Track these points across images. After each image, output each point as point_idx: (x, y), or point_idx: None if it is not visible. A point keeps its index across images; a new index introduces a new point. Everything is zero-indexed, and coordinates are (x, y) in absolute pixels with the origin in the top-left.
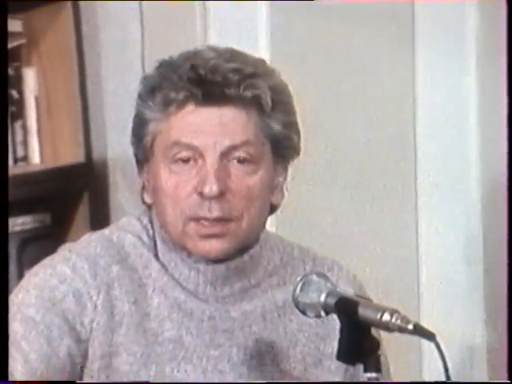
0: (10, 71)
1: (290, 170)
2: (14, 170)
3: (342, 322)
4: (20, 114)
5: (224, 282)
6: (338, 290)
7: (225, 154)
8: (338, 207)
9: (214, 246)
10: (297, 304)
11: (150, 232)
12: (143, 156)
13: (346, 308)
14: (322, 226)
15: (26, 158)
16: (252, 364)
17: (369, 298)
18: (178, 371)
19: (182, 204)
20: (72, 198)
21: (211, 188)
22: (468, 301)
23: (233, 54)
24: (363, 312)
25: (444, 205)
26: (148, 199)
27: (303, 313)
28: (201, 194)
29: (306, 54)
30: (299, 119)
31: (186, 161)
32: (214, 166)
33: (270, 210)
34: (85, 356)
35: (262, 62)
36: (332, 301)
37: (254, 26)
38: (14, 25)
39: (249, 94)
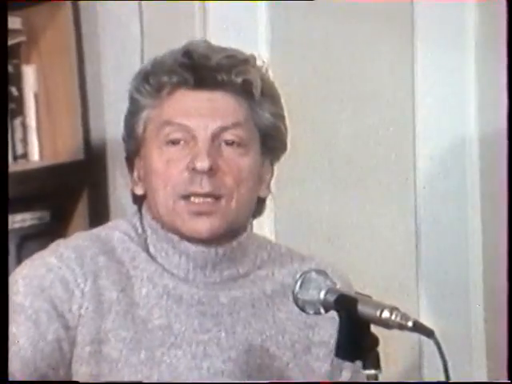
0: (10, 68)
1: (290, 166)
2: (13, 167)
3: (341, 319)
4: (19, 111)
5: (213, 268)
6: (338, 287)
7: (216, 135)
8: (336, 204)
9: (204, 224)
10: (296, 301)
11: (139, 230)
12: (135, 147)
13: (345, 305)
14: (321, 223)
15: (25, 155)
16: (240, 348)
17: (368, 296)
18: (167, 356)
19: (173, 181)
20: (71, 195)
21: (203, 162)
22: (467, 298)
23: (223, 48)
24: (362, 309)
25: (443, 201)
26: (139, 190)
27: (302, 309)
28: (193, 170)
29: (305, 52)
30: (300, 116)
31: (177, 142)
32: (205, 144)
33: (258, 207)
34: (73, 342)
35: (254, 57)
36: (331, 298)
37: (253, 25)
38: (14, 22)
39: (240, 79)
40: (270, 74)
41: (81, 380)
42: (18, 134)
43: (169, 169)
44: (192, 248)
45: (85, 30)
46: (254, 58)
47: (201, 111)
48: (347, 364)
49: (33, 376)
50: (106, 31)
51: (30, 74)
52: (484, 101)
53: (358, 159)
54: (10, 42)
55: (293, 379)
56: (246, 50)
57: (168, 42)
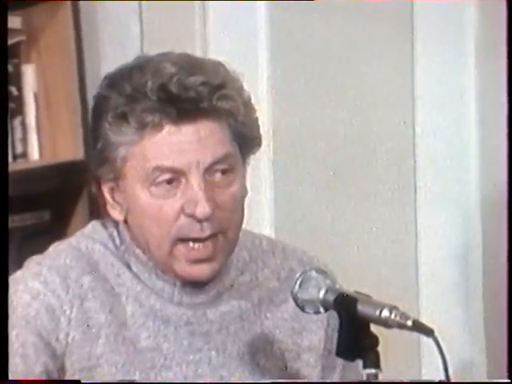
0: (10, 68)
1: (290, 168)
2: (13, 166)
3: (341, 318)
4: (19, 110)
5: (200, 290)
6: (337, 286)
7: (207, 170)
8: (336, 206)
9: (205, 271)
10: (296, 300)
11: (117, 241)
12: (112, 176)
13: (345, 304)
14: (321, 225)
15: (25, 155)
16: (232, 365)
17: (368, 295)
18: (160, 377)
19: (169, 226)
20: (71, 194)
21: (204, 210)
22: (466, 298)
23: (191, 64)
24: (362, 308)
25: (443, 203)
26: (119, 216)
27: (302, 309)
28: (192, 216)
29: (305, 50)
30: (299, 117)
31: (167, 182)
32: (201, 186)
33: None
34: (61, 370)
35: (217, 64)
36: (331, 297)
37: (253, 25)
38: (14, 21)
39: (223, 105)
40: (239, 78)
41: None
42: (18, 134)
43: (162, 211)
44: (178, 280)
45: (84, 29)
46: (223, 68)
47: (189, 147)
48: (338, 363)
49: None
50: (106, 31)
51: (29, 74)
52: (484, 100)
53: (358, 160)
54: (10, 42)
55: None
56: (246, 46)
57: (167, 39)
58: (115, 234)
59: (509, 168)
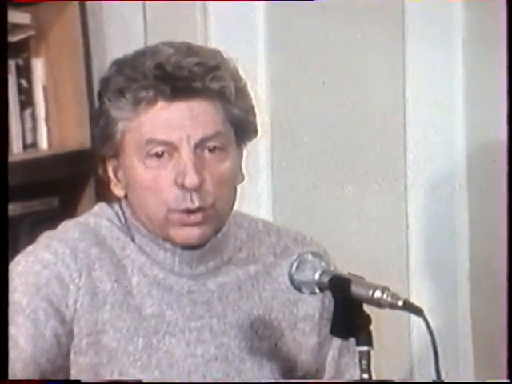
0: (20, 61)
1: (288, 158)
2: (23, 155)
3: (335, 298)
4: (29, 102)
5: (199, 261)
6: (332, 268)
7: (198, 145)
8: (331, 191)
9: (195, 233)
10: (292, 281)
11: (122, 218)
12: (112, 152)
13: (339, 285)
14: (316, 209)
15: (34, 144)
16: (231, 333)
17: (361, 277)
18: (163, 344)
19: (164, 196)
20: (79, 182)
21: (192, 180)
22: (454, 278)
23: (189, 48)
24: (356, 289)
25: (432, 189)
26: (119, 192)
27: (298, 290)
28: (182, 186)
29: (301, 41)
30: (297, 109)
31: (160, 155)
32: (191, 159)
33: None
34: (70, 335)
35: (218, 52)
36: (326, 279)
37: (251, 23)
38: (23, 17)
39: (215, 85)
40: (236, 66)
41: (81, 369)
42: (28, 124)
43: (157, 183)
44: (178, 247)
45: (91, 25)
46: (220, 54)
47: (181, 123)
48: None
49: (34, 372)
50: (111, 26)
51: (38, 67)
52: (471, 93)
53: (352, 149)
54: (20, 37)
55: (281, 358)
56: (245, 40)
57: (170, 35)
58: (120, 212)
59: (499, 153)
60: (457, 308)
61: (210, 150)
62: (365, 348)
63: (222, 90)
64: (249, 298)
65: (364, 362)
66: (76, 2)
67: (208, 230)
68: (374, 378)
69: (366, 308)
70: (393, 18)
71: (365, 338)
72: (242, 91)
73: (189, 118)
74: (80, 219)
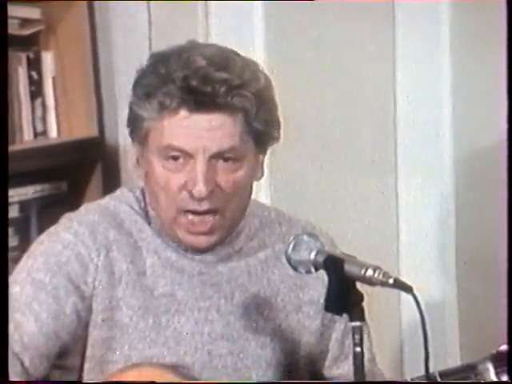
0: (30, 54)
1: (286, 149)
2: (34, 143)
3: (329, 277)
4: (39, 92)
5: (211, 252)
6: (326, 248)
7: (213, 156)
8: (325, 174)
9: (203, 241)
10: (289, 261)
11: (142, 204)
12: (138, 140)
13: (333, 265)
14: (312, 191)
15: (44, 133)
16: (238, 313)
17: (354, 256)
18: (172, 322)
19: (174, 196)
20: (86, 167)
21: (200, 191)
22: (442, 259)
23: (222, 59)
24: (349, 268)
25: (420, 171)
26: (139, 176)
27: (295, 269)
28: (190, 193)
29: (298, 47)
30: (293, 98)
31: (176, 158)
32: (202, 169)
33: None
34: (89, 310)
35: (248, 64)
36: (321, 258)
37: (250, 19)
38: (34, 12)
39: (236, 103)
40: (268, 75)
41: (95, 342)
42: (38, 113)
43: (169, 182)
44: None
45: (98, 20)
46: (249, 67)
47: (199, 133)
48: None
49: (54, 345)
50: (117, 21)
51: (48, 60)
52: (456, 85)
53: (345, 135)
54: (31, 31)
55: (285, 338)
56: (244, 41)
57: (172, 28)
58: (141, 197)
59: (481, 136)
60: (443, 285)
61: (225, 160)
62: (357, 323)
63: (243, 107)
64: (257, 281)
65: (357, 336)
66: None
67: (215, 238)
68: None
69: (359, 286)
70: (384, 15)
71: (357, 313)
72: (265, 105)
73: (207, 130)
74: (101, 202)
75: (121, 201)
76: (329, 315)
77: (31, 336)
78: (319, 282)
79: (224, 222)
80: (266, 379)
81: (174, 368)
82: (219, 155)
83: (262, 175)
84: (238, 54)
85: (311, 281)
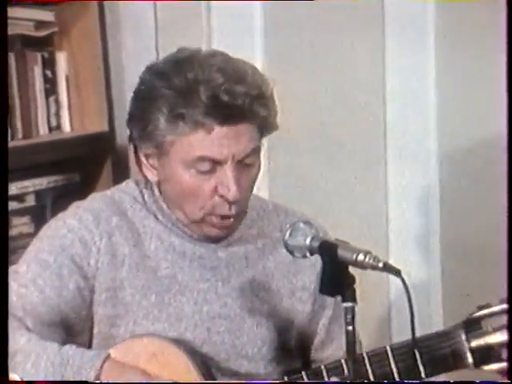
0: (45, 54)
1: (283, 143)
2: (48, 137)
3: (324, 261)
4: (53, 90)
5: (212, 242)
6: (321, 235)
7: (239, 161)
8: (318, 170)
9: (224, 233)
10: (286, 246)
11: (146, 196)
12: (151, 150)
13: (327, 250)
14: (307, 183)
15: (58, 127)
16: (234, 295)
17: (346, 242)
18: (174, 301)
19: (204, 202)
20: (97, 160)
21: (235, 195)
22: (427, 244)
23: (235, 71)
24: (342, 253)
25: (408, 163)
26: (152, 177)
27: (292, 253)
28: (223, 197)
29: (295, 46)
30: (291, 97)
31: (205, 166)
32: (234, 174)
33: None
34: (92, 290)
35: (254, 71)
36: (316, 244)
37: (250, 17)
38: (48, 15)
39: (259, 111)
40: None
41: (101, 320)
42: (52, 110)
43: (199, 190)
44: (194, 234)
45: (108, 22)
46: (255, 73)
47: (229, 143)
48: (328, 303)
49: (56, 316)
50: (126, 22)
51: (62, 60)
52: (441, 81)
53: (338, 128)
54: (46, 33)
55: (278, 319)
56: (243, 40)
57: (177, 29)
58: (145, 190)
59: (464, 132)
60: (428, 268)
61: (246, 162)
62: (350, 304)
63: (266, 116)
64: (254, 266)
65: (349, 316)
66: (95, 2)
67: (233, 228)
68: (357, 329)
69: (351, 269)
70: (373, 13)
71: (350, 295)
72: (273, 104)
73: (235, 138)
74: (107, 192)
75: (125, 192)
76: (319, 301)
77: (34, 305)
78: (312, 270)
79: (240, 216)
80: (260, 356)
81: (176, 341)
82: (243, 159)
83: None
84: (240, 60)
85: (304, 268)
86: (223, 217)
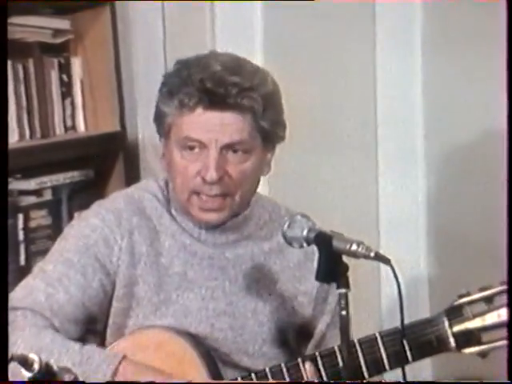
0: (61, 60)
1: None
2: (64, 136)
3: (319, 251)
4: (69, 93)
5: (221, 233)
6: (317, 227)
7: (224, 148)
8: (315, 165)
9: (213, 217)
10: (285, 237)
11: (165, 192)
12: (162, 134)
13: (323, 240)
14: (303, 179)
15: (74, 127)
16: (240, 294)
17: (341, 233)
18: (181, 297)
19: (189, 182)
20: (110, 157)
21: (212, 176)
22: (416, 234)
23: (235, 65)
24: (336, 243)
25: (397, 159)
26: (164, 167)
27: (290, 244)
28: (203, 178)
29: (293, 47)
30: (288, 96)
31: (193, 148)
32: (215, 157)
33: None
34: (113, 285)
35: (258, 71)
36: (312, 235)
37: (250, 21)
38: (64, 23)
39: (245, 103)
40: (275, 81)
41: (116, 312)
42: (68, 111)
43: (186, 169)
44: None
45: (120, 29)
46: (259, 73)
47: (213, 128)
48: (327, 311)
49: (82, 314)
50: (137, 30)
51: (77, 64)
52: (428, 84)
53: (332, 124)
54: (62, 40)
55: (280, 320)
56: (244, 39)
57: (184, 36)
58: (164, 186)
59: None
60: (417, 257)
61: (234, 152)
62: (343, 290)
63: (251, 107)
64: (259, 269)
65: (343, 301)
66: (108, 11)
67: (225, 214)
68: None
69: (345, 258)
70: (365, 18)
71: (344, 282)
72: (272, 108)
73: (219, 125)
74: (128, 191)
75: (145, 190)
76: (319, 307)
77: (60, 305)
78: (313, 276)
79: (232, 203)
80: (260, 353)
81: (180, 333)
82: (229, 147)
83: (269, 171)
84: (251, 63)
85: (308, 275)
86: (206, 197)
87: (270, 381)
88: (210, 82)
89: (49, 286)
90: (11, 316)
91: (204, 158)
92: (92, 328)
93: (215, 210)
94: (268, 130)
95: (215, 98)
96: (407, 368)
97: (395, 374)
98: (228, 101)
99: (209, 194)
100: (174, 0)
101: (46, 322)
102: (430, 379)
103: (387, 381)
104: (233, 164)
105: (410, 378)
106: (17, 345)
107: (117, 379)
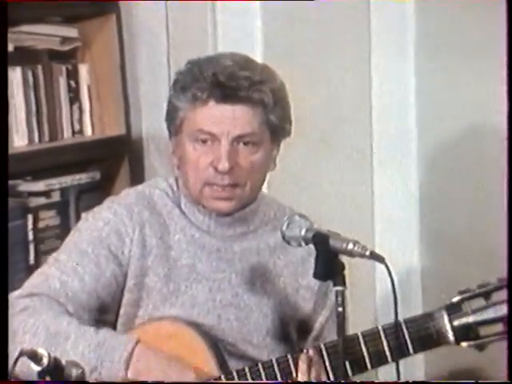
0: (69, 67)
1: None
2: (72, 140)
3: (317, 250)
4: (76, 98)
5: (229, 226)
6: (315, 226)
7: (235, 139)
8: (312, 163)
9: (224, 206)
10: (283, 237)
11: (175, 189)
12: (174, 131)
13: (320, 240)
14: (300, 178)
15: (81, 131)
16: (245, 286)
17: (337, 233)
18: (190, 288)
19: (201, 173)
20: (116, 160)
21: (224, 166)
22: (409, 234)
23: (246, 62)
24: (333, 243)
25: (391, 161)
26: (175, 161)
27: (288, 243)
28: (215, 169)
29: (291, 48)
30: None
31: (205, 141)
32: (226, 149)
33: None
34: (125, 276)
35: (267, 68)
36: (310, 234)
37: (251, 25)
38: (72, 32)
39: (256, 96)
40: (280, 78)
41: (127, 303)
42: (76, 116)
43: (198, 162)
44: (213, 212)
45: (125, 37)
46: (268, 70)
47: (224, 121)
48: (327, 305)
49: (95, 302)
50: (141, 38)
51: (84, 71)
52: (421, 78)
53: (326, 128)
54: (70, 47)
55: (282, 312)
56: (244, 40)
57: (187, 46)
58: (174, 184)
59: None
60: (410, 256)
61: (245, 144)
62: (340, 288)
63: (261, 100)
64: (264, 263)
65: (339, 298)
66: (114, 19)
67: (235, 203)
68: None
69: (341, 257)
70: (360, 19)
71: (340, 280)
72: (281, 102)
73: (231, 118)
74: (139, 188)
75: (155, 187)
76: (320, 302)
77: (74, 292)
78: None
79: (241, 193)
80: (264, 344)
81: (189, 323)
82: (240, 139)
83: (275, 167)
84: (257, 61)
85: (310, 270)
86: (217, 187)
87: (249, 381)
88: (221, 76)
89: (63, 274)
90: (28, 301)
91: (216, 149)
92: (103, 318)
93: (226, 198)
94: (276, 124)
95: (227, 91)
96: (401, 365)
97: (391, 375)
98: (239, 94)
99: (220, 183)
100: None
101: (61, 307)
102: (422, 377)
103: (384, 381)
104: (243, 155)
105: (403, 375)
106: (35, 326)
107: (131, 363)
